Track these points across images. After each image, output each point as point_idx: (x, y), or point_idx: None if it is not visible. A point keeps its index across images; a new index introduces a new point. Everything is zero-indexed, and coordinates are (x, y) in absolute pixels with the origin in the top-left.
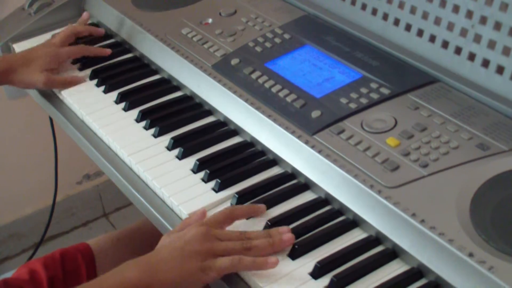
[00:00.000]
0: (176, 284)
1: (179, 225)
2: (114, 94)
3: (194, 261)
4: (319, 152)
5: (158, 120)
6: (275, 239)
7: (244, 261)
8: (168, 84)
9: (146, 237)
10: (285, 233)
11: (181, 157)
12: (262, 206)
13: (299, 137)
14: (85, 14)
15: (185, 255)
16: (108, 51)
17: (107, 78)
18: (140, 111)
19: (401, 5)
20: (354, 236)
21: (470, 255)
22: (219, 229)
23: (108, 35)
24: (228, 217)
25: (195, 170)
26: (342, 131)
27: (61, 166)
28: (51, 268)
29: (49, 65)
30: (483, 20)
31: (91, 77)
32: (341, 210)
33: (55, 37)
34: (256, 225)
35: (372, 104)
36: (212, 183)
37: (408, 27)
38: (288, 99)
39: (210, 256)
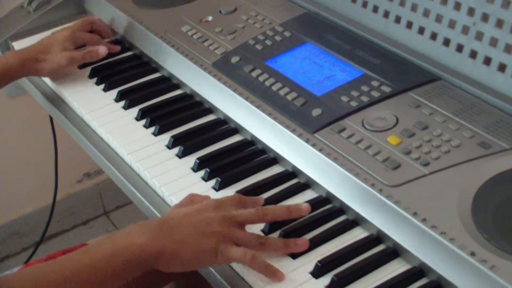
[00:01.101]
0: (185, 257)
1: (185, 198)
2: (114, 93)
3: (210, 241)
4: (320, 150)
5: (158, 119)
6: (290, 241)
7: (256, 260)
8: (168, 82)
9: None
10: (305, 211)
11: (181, 155)
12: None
13: (299, 136)
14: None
15: (203, 232)
16: (118, 47)
17: (107, 77)
18: (140, 110)
19: (402, 3)
20: (355, 235)
21: (472, 254)
22: (236, 210)
23: None
24: (237, 202)
25: (195, 169)
26: (343, 129)
27: (61, 164)
28: None
29: (67, 45)
30: (485, 18)
31: (91, 76)
32: (342, 209)
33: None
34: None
35: (373, 102)
36: (212, 182)
37: (409, 25)
38: (289, 97)
39: (226, 241)
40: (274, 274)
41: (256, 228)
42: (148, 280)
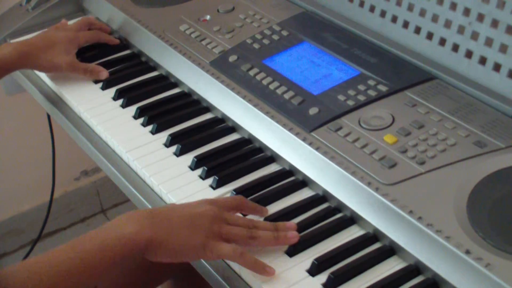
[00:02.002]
0: (174, 248)
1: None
2: (112, 91)
3: (199, 236)
4: (317, 149)
5: (156, 117)
6: (280, 234)
7: (244, 257)
8: (166, 81)
9: None
10: (291, 229)
11: (178, 154)
12: (266, 209)
13: (296, 134)
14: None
15: (193, 226)
16: (117, 41)
17: None
18: (138, 108)
19: (398, 2)
20: (352, 233)
21: (467, 252)
22: (228, 212)
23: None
24: (238, 206)
25: (193, 167)
26: (340, 128)
27: (59, 162)
28: None
29: (70, 48)
30: (481, 18)
31: None
32: (339, 207)
33: (63, 24)
34: None
35: (370, 101)
36: (209, 180)
37: (405, 24)
38: (286, 96)
39: (216, 237)
40: (263, 270)
41: None
42: (145, 278)
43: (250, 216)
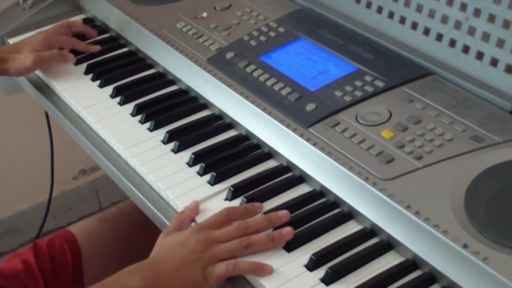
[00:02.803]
0: None
1: (174, 221)
2: (109, 89)
3: (196, 269)
4: (314, 145)
5: (153, 114)
6: (274, 234)
7: (240, 265)
8: (163, 78)
9: (130, 216)
10: (284, 217)
11: (176, 150)
12: (258, 204)
13: (294, 130)
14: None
15: (188, 263)
16: (97, 48)
17: (103, 73)
18: (136, 105)
19: None
20: (349, 228)
21: (465, 246)
22: (218, 229)
23: (103, 29)
24: (227, 218)
25: (191, 164)
26: (337, 124)
27: (57, 161)
28: (41, 257)
29: (37, 46)
30: (477, 13)
31: (86, 72)
32: (336, 202)
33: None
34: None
35: (367, 97)
36: (207, 176)
37: (402, 20)
38: (283, 92)
39: (212, 262)
40: (262, 269)
41: None
42: (133, 260)
43: None
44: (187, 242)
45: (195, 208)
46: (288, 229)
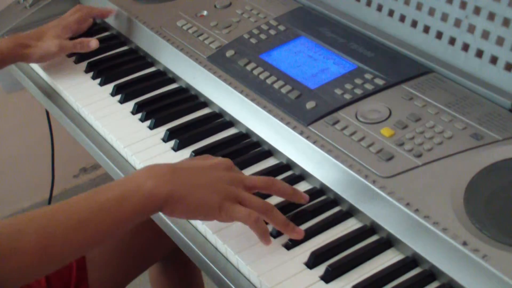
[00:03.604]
0: (191, 205)
1: (201, 156)
2: (110, 87)
3: (217, 196)
4: (314, 142)
5: (153, 112)
6: (291, 224)
7: (258, 223)
8: (163, 76)
9: None
10: (305, 199)
11: (176, 148)
12: (306, 196)
13: (294, 128)
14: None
15: (211, 186)
16: (111, 10)
17: (103, 71)
18: (136, 103)
19: None
20: (349, 226)
21: (464, 243)
22: (247, 190)
23: (104, 27)
24: (267, 186)
25: None
26: (337, 121)
27: (58, 159)
28: None
29: (61, 33)
30: (477, 11)
31: (87, 70)
32: (336, 200)
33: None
34: None
35: (367, 95)
36: None
37: (402, 18)
38: (283, 90)
39: (232, 200)
40: (267, 239)
41: None
42: (135, 260)
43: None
44: (217, 168)
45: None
46: (301, 230)
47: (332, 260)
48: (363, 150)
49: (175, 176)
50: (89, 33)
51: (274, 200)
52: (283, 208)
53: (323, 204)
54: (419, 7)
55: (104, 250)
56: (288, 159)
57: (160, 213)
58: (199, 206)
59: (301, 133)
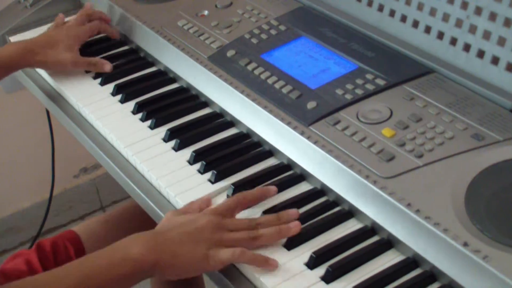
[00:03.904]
0: (180, 266)
1: (185, 206)
2: (110, 86)
3: (201, 248)
4: (315, 143)
5: (154, 112)
6: (282, 226)
7: (245, 255)
8: (164, 76)
9: (134, 217)
10: (294, 216)
11: (177, 148)
12: (273, 188)
13: (294, 128)
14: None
15: (195, 241)
16: (117, 34)
17: None
18: (137, 103)
19: None
20: (350, 227)
21: (465, 244)
22: (230, 217)
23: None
24: (240, 202)
25: (192, 162)
26: (338, 122)
27: (58, 159)
28: (45, 258)
29: (73, 45)
30: (478, 11)
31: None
32: (337, 200)
33: (61, 18)
34: (251, 215)
35: (368, 95)
36: (208, 174)
37: (403, 18)
38: (284, 90)
39: (216, 246)
40: (266, 262)
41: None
42: None
43: (244, 213)
44: (197, 221)
45: (207, 201)
46: (295, 222)
47: (333, 261)
48: (364, 151)
49: (158, 242)
50: None
51: (272, 203)
52: (283, 209)
53: (324, 205)
54: (420, 7)
55: (101, 228)
56: (289, 159)
57: (157, 209)
58: (187, 265)
59: (302, 133)
